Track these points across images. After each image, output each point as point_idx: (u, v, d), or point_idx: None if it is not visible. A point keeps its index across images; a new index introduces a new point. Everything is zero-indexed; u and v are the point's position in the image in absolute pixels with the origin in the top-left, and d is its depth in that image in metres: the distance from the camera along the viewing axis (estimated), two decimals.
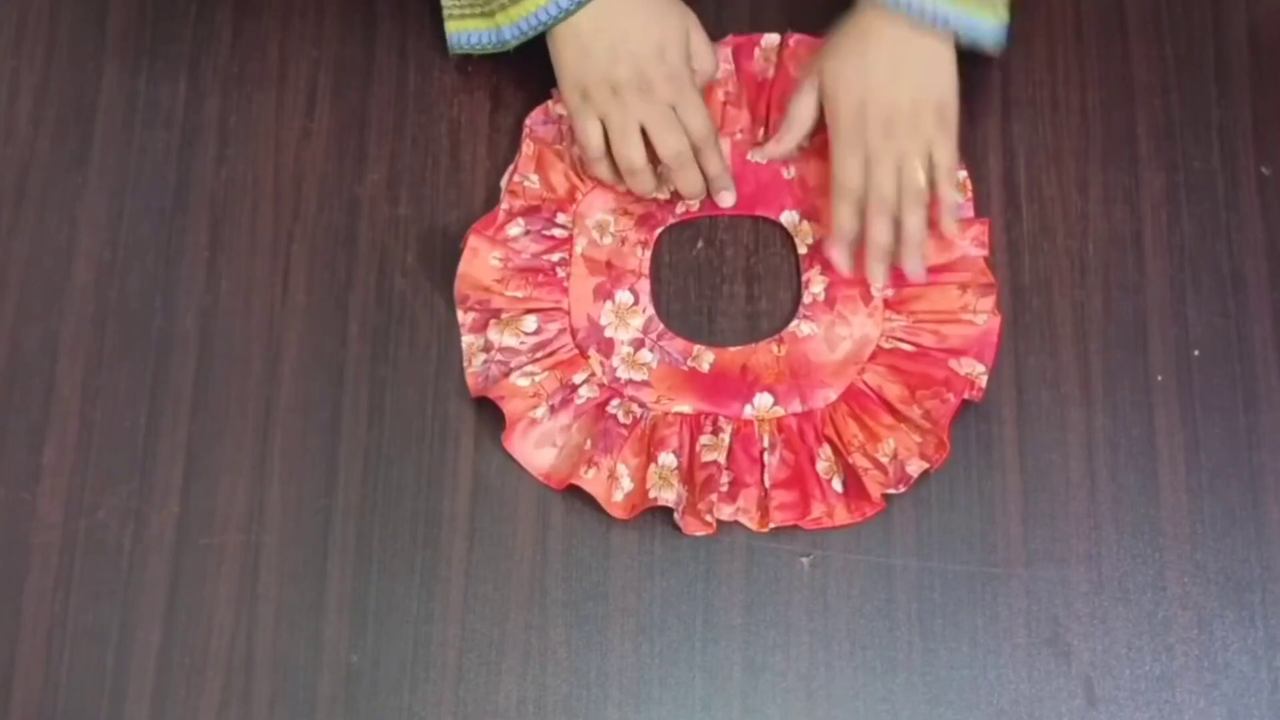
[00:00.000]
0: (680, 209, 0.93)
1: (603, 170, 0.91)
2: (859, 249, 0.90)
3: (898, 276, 0.91)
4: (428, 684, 0.85)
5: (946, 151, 0.88)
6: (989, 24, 0.88)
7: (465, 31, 0.92)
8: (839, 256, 0.90)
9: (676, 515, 0.86)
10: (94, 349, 0.91)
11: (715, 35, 0.95)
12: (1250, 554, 0.87)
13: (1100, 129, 0.95)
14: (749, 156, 0.94)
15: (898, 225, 0.89)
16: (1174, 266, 0.92)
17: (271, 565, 0.87)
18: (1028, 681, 0.85)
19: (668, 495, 0.85)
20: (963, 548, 0.87)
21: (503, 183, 0.93)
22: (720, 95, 0.95)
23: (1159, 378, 0.90)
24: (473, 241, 0.90)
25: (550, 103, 0.94)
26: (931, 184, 0.89)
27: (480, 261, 0.90)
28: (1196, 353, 0.90)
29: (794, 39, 0.95)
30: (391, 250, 0.93)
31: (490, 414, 0.89)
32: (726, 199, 0.92)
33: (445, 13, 0.93)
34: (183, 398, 0.90)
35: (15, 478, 0.88)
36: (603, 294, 0.91)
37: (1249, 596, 0.86)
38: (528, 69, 0.95)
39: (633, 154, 0.89)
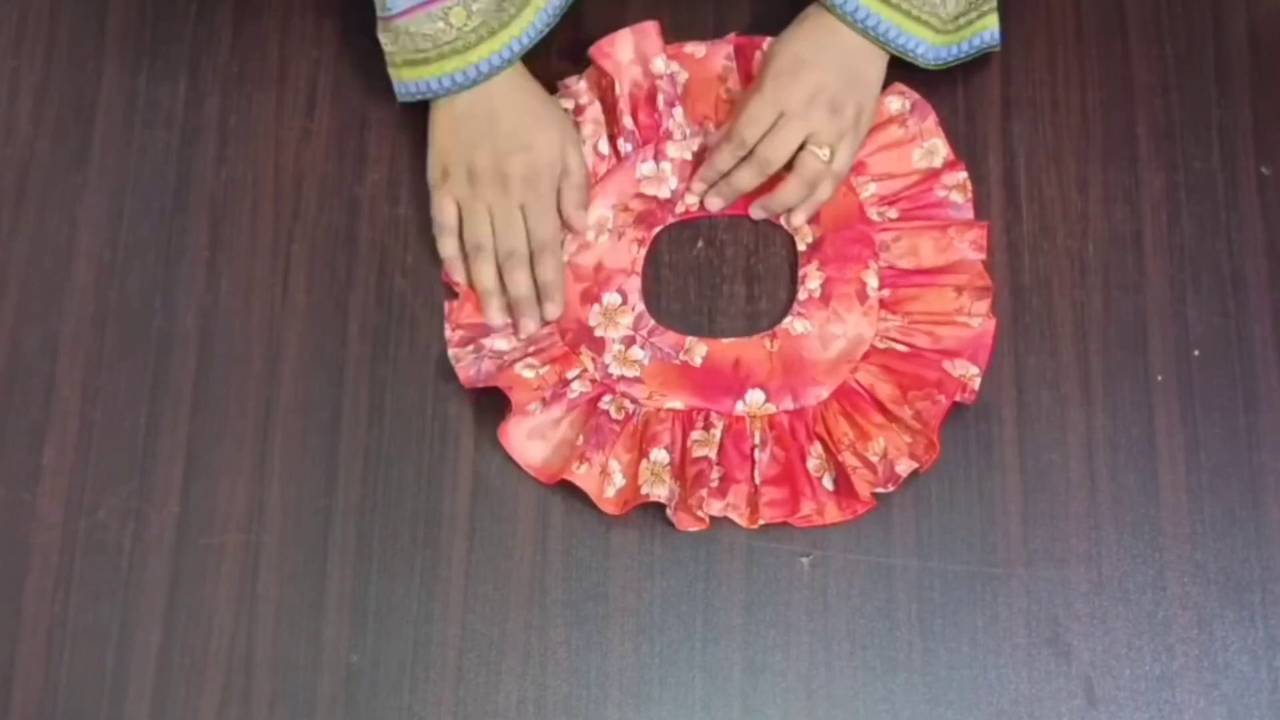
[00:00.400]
0: (680, 208, 0.93)
1: (447, 246, 0.91)
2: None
3: (896, 276, 0.91)
4: (428, 684, 0.85)
5: (847, 155, 0.91)
6: (922, 41, 0.90)
7: (398, 84, 0.92)
8: (698, 187, 0.92)
9: (669, 511, 0.86)
10: (94, 349, 0.91)
11: (717, 34, 0.95)
12: (1250, 554, 0.87)
13: (1100, 129, 0.95)
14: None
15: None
16: (1174, 266, 0.92)
17: (271, 565, 0.87)
18: (1028, 681, 0.85)
19: (660, 491, 0.85)
20: (963, 548, 0.87)
21: None
22: (722, 93, 0.95)
23: (1159, 378, 0.90)
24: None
25: (556, 97, 0.94)
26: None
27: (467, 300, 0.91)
28: (1196, 353, 0.90)
29: (736, 41, 0.95)
30: (391, 250, 0.93)
31: (490, 414, 0.89)
32: (550, 311, 0.90)
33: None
34: (183, 398, 0.90)
35: (15, 478, 0.88)
36: (590, 298, 0.91)
37: (1249, 596, 0.86)
38: (531, 66, 0.95)
39: (479, 237, 0.90)
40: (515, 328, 0.90)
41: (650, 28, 0.93)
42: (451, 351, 0.89)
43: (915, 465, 0.85)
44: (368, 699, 0.85)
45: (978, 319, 0.89)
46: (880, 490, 0.86)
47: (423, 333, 0.91)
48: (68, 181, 0.94)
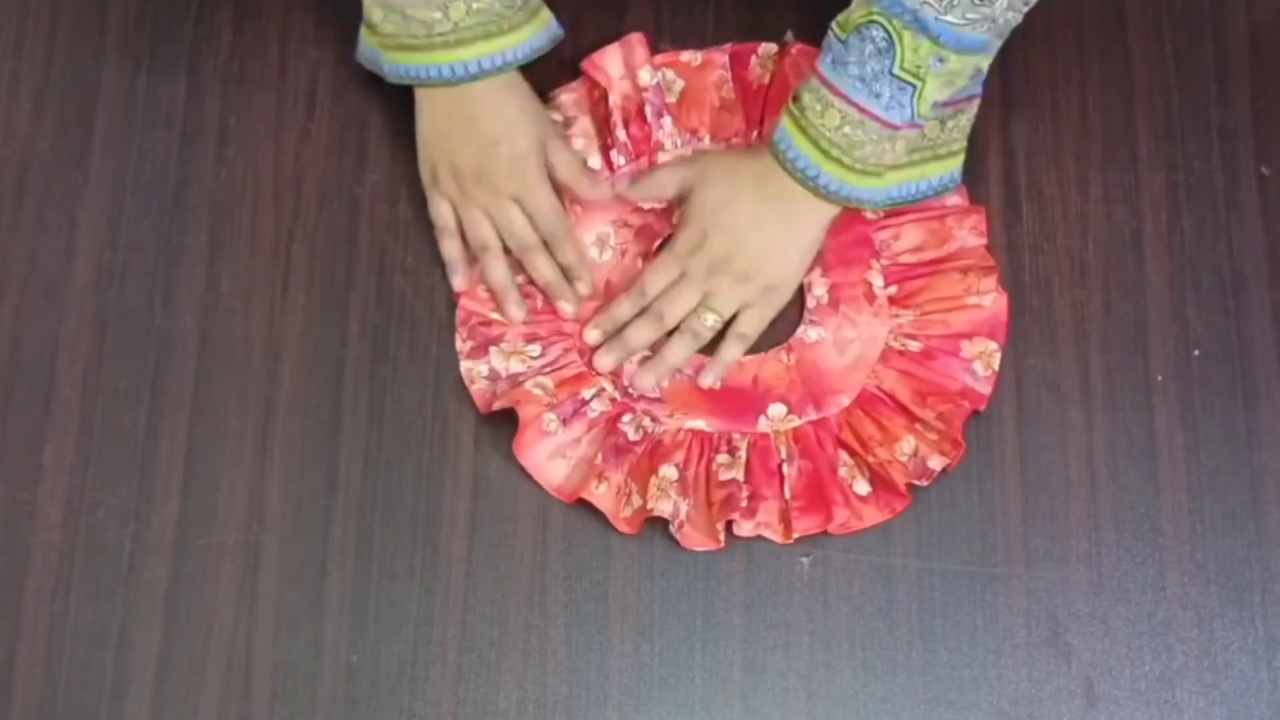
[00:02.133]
0: (676, 217, 0.93)
1: (449, 248, 0.90)
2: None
3: (900, 272, 0.91)
4: (428, 684, 0.85)
5: (754, 320, 0.89)
6: (931, 180, 0.89)
7: (365, 45, 0.92)
8: (593, 335, 0.90)
9: (672, 528, 0.85)
10: (94, 349, 0.91)
11: (715, 41, 0.95)
12: (1250, 554, 0.87)
13: (1100, 129, 0.95)
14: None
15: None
16: (1174, 266, 0.92)
17: (271, 565, 0.87)
18: (1028, 681, 0.85)
19: (665, 507, 0.85)
20: (963, 548, 0.87)
21: None
22: (715, 100, 0.94)
23: (1159, 378, 0.90)
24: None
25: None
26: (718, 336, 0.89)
27: (473, 297, 0.91)
28: (1196, 353, 0.90)
29: (796, 48, 0.94)
30: (391, 250, 0.93)
31: (491, 415, 0.89)
32: (582, 289, 0.90)
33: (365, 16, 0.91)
34: (183, 398, 0.90)
35: (15, 478, 0.88)
36: None
37: (1249, 596, 0.86)
38: (530, 70, 0.95)
39: (481, 235, 0.90)
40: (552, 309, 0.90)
41: (638, 40, 0.93)
42: (464, 369, 0.89)
43: (946, 461, 0.86)
44: (368, 699, 0.85)
45: (988, 296, 0.89)
46: (916, 483, 0.86)
47: (423, 333, 0.91)
48: (68, 181, 0.94)
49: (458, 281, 0.91)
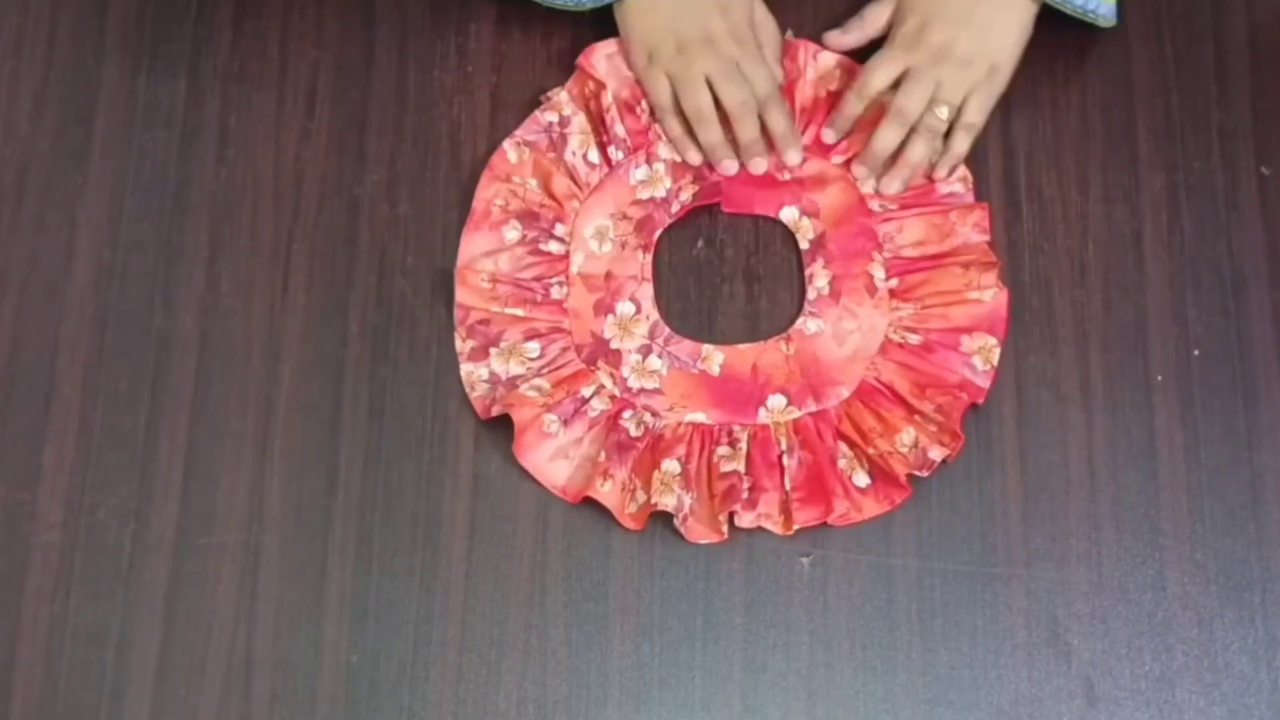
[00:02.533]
0: (675, 207, 0.93)
1: (672, 125, 0.93)
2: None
3: (902, 265, 0.91)
4: (428, 684, 0.85)
5: (980, 107, 0.91)
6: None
7: None
8: (830, 135, 0.93)
9: (676, 521, 0.85)
10: (94, 349, 0.91)
11: None
12: (1250, 554, 0.87)
13: (1100, 129, 0.95)
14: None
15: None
16: (1174, 266, 0.92)
17: (271, 565, 0.87)
18: (1028, 681, 0.85)
19: (668, 501, 0.85)
20: (963, 548, 0.87)
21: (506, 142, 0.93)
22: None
23: (1159, 378, 0.90)
24: (459, 266, 0.91)
25: (539, 111, 0.94)
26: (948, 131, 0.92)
27: (470, 287, 0.90)
28: (1196, 353, 0.90)
29: (789, 41, 0.95)
30: (391, 250, 0.93)
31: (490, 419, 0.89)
32: (793, 157, 0.93)
33: None
34: (183, 398, 0.90)
35: (15, 478, 0.88)
36: (603, 309, 0.91)
37: (1249, 596, 0.86)
38: (527, 69, 0.96)
39: (700, 101, 0.91)
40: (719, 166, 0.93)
41: None
42: (465, 373, 0.89)
43: (946, 452, 0.86)
44: (368, 699, 0.85)
45: (989, 291, 0.89)
46: (916, 474, 0.86)
47: (423, 333, 0.91)
48: (68, 181, 0.94)
49: (692, 156, 0.93)
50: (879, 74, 0.91)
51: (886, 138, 0.91)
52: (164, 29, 0.97)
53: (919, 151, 0.91)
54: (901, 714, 0.84)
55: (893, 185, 0.92)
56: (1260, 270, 0.92)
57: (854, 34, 0.94)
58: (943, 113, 0.90)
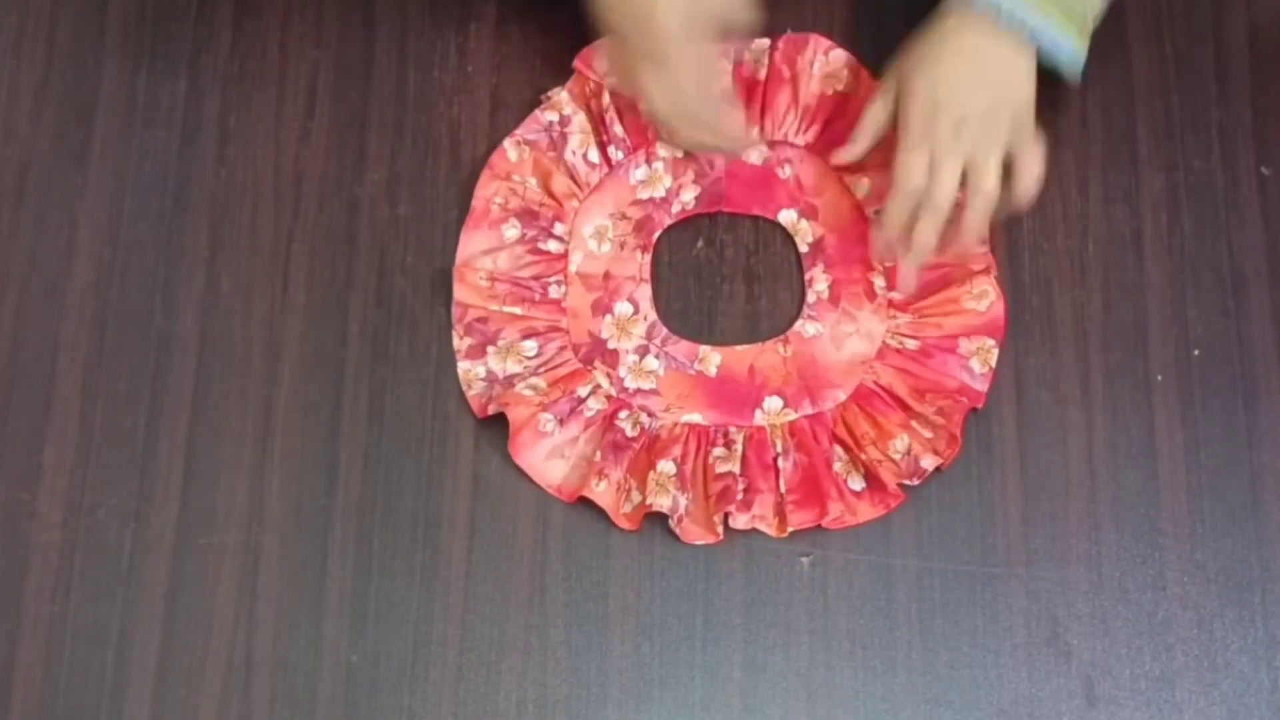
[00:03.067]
0: (676, 207, 0.93)
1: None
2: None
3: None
4: (428, 684, 0.85)
5: (1031, 153, 0.86)
6: (1071, 44, 0.87)
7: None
8: (880, 248, 0.89)
9: (671, 522, 0.85)
10: (94, 349, 0.91)
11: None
12: (1250, 554, 0.87)
13: (1100, 129, 0.95)
14: (833, 159, 0.92)
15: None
16: (1174, 266, 0.92)
17: (271, 565, 0.87)
18: (1028, 681, 0.85)
19: (663, 502, 0.85)
20: (963, 548, 0.87)
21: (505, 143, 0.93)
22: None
23: (1159, 378, 0.90)
24: (458, 264, 0.90)
25: (539, 110, 0.94)
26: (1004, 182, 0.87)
27: (468, 285, 0.90)
28: (1196, 353, 0.90)
29: (783, 39, 0.95)
30: (391, 250, 0.93)
31: (487, 418, 0.89)
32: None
33: None
34: (183, 398, 0.90)
35: (15, 478, 0.88)
36: (601, 309, 0.91)
37: (1249, 596, 0.86)
38: (527, 69, 0.96)
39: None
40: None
41: None
42: (462, 372, 0.89)
43: (939, 460, 0.86)
44: (368, 699, 0.85)
45: (985, 301, 0.89)
46: (906, 482, 0.86)
47: (423, 333, 0.91)
48: (68, 181, 0.94)
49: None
50: (910, 171, 0.85)
51: (926, 234, 0.86)
52: (164, 29, 0.97)
53: (973, 221, 0.86)
54: (901, 714, 0.84)
55: (911, 283, 0.89)
56: (1260, 270, 0.92)
57: (862, 142, 0.90)
58: (990, 171, 0.85)
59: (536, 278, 0.91)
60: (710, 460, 0.87)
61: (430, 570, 0.87)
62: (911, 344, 0.89)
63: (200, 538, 0.87)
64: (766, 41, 0.95)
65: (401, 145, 0.95)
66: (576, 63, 0.94)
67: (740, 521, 0.86)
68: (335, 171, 0.94)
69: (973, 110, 0.85)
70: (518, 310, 0.90)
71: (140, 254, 0.93)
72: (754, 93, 0.94)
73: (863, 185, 0.93)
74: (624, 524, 0.86)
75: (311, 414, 0.89)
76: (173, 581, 0.87)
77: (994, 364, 0.89)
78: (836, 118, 0.94)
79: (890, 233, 0.88)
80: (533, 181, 0.92)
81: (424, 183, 0.94)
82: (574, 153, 0.93)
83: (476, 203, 0.92)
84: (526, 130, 0.93)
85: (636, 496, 0.86)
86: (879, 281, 0.91)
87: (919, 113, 0.86)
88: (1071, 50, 0.87)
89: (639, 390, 0.89)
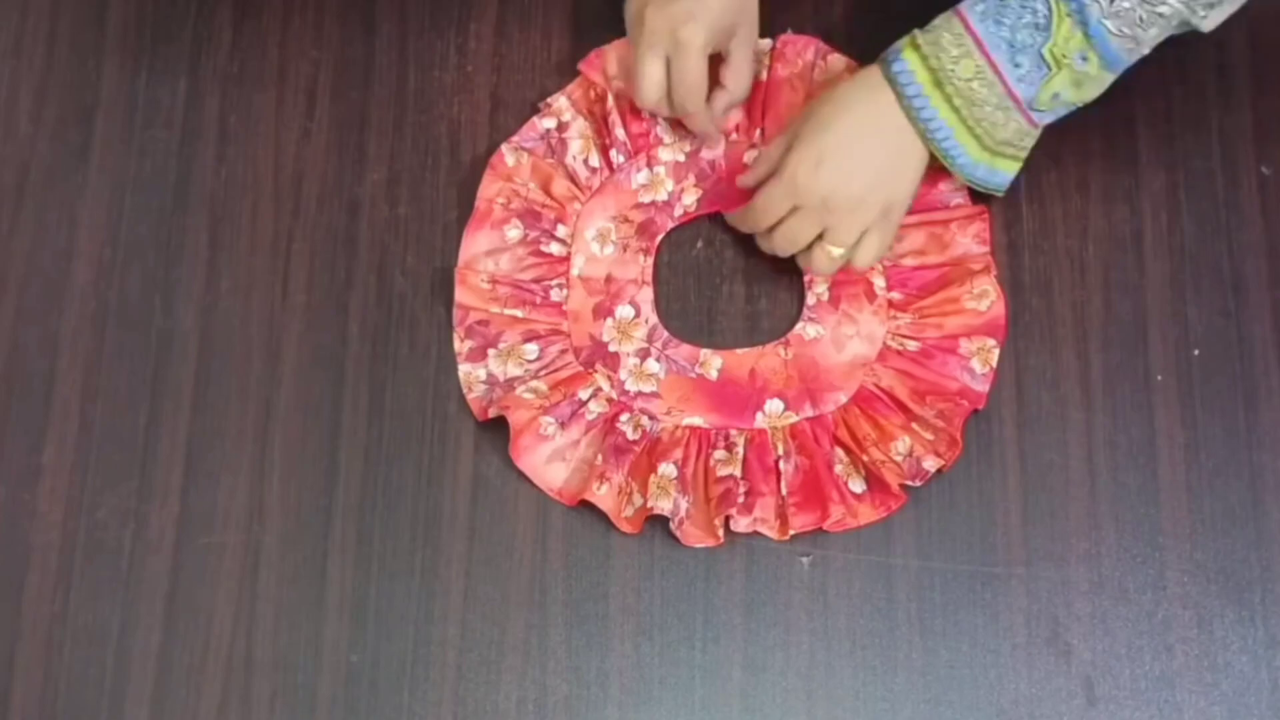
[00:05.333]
0: (679, 211, 0.93)
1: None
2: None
3: (902, 275, 0.91)
4: (428, 684, 0.85)
5: (875, 248, 0.87)
6: (967, 159, 0.86)
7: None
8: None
9: (673, 525, 0.85)
10: (94, 349, 0.91)
11: None
12: (1250, 554, 0.87)
13: (1100, 129, 0.95)
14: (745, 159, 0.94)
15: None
16: (1174, 266, 0.92)
17: (271, 565, 0.87)
18: (1028, 681, 0.85)
19: (664, 504, 0.85)
20: (963, 548, 0.87)
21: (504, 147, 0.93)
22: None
23: (1159, 378, 0.90)
24: (460, 266, 0.90)
25: (536, 118, 0.94)
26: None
27: (470, 287, 0.90)
28: (1196, 353, 0.90)
29: (781, 40, 0.95)
30: (391, 250, 0.93)
31: (487, 420, 0.89)
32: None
33: None
34: (183, 398, 0.90)
35: (15, 478, 0.88)
36: (603, 312, 0.91)
37: (1249, 596, 0.86)
38: (527, 69, 0.96)
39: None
40: None
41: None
42: (462, 374, 0.89)
43: (940, 462, 0.86)
44: (368, 699, 0.85)
45: (986, 301, 0.89)
46: (908, 484, 0.86)
47: (423, 333, 0.91)
48: (68, 181, 0.94)
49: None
50: (768, 210, 0.87)
51: (774, 249, 0.89)
52: (164, 29, 0.97)
53: (820, 268, 0.88)
54: (901, 714, 0.84)
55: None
56: (1260, 270, 0.92)
57: (760, 170, 0.89)
58: (836, 253, 0.87)
59: (538, 280, 0.91)
60: (711, 463, 0.87)
61: (430, 570, 0.87)
62: (912, 345, 0.89)
63: (200, 538, 0.87)
64: (769, 43, 0.95)
65: (401, 145, 0.95)
66: (582, 65, 0.94)
67: (741, 524, 0.86)
68: (335, 171, 0.94)
69: (849, 188, 0.85)
70: (519, 313, 0.90)
71: (140, 254, 0.93)
72: (754, 93, 0.94)
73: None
74: (625, 528, 0.86)
75: (311, 414, 0.89)
76: (173, 581, 0.87)
77: (994, 364, 0.89)
78: None
79: (739, 224, 0.91)
80: (533, 184, 0.92)
81: (424, 183, 0.94)
82: (574, 158, 0.93)
83: (479, 203, 0.92)
84: (523, 138, 0.93)
85: (638, 500, 0.86)
86: (879, 282, 0.91)
87: (802, 172, 0.85)
88: (967, 163, 0.87)
89: (640, 393, 0.89)
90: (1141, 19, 0.81)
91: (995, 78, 0.83)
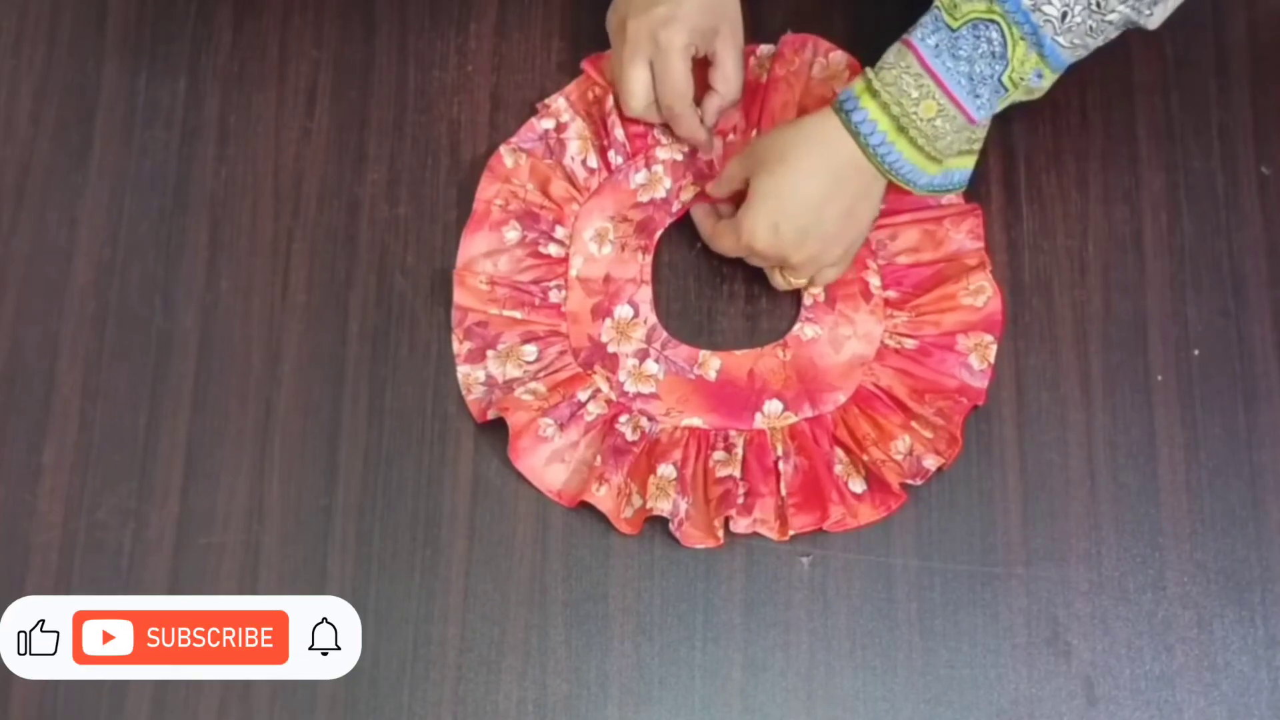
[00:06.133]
0: (676, 206, 0.93)
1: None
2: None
3: (897, 273, 0.91)
4: (428, 684, 0.85)
5: (835, 275, 0.89)
6: (927, 178, 0.86)
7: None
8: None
9: (672, 526, 0.85)
10: (94, 349, 0.91)
11: None
12: (1250, 554, 0.87)
13: (1100, 129, 0.95)
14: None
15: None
16: (1174, 266, 0.92)
17: (271, 565, 0.87)
18: (1028, 681, 0.85)
19: (664, 505, 0.85)
20: (963, 548, 0.87)
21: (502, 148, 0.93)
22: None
23: (1159, 378, 0.90)
24: (458, 268, 0.90)
25: (535, 119, 0.94)
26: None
27: (468, 288, 0.90)
28: (1196, 353, 0.90)
29: (783, 40, 0.95)
30: (391, 250, 0.93)
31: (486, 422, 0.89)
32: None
33: None
34: (183, 398, 0.90)
35: (15, 478, 0.88)
36: (601, 313, 0.91)
37: (1249, 596, 0.86)
38: (527, 69, 0.96)
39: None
40: None
41: None
42: (461, 375, 0.89)
43: (941, 461, 0.86)
44: (368, 699, 0.85)
45: (982, 297, 0.89)
46: (909, 482, 0.86)
47: (423, 333, 0.91)
48: (68, 181, 0.94)
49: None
50: (723, 251, 0.89)
51: (727, 252, 0.90)
52: (164, 29, 0.97)
53: (778, 288, 0.90)
54: (901, 714, 0.84)
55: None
56: (1260, 270, 0.92)
57: (722, 190, 0.90)
58: (796, 282, 0.89)
59: (536, 282, 0.91)
60: (711, 464, 0.87)
61: (430, 570, 0.87)
62: (910, 343, 0.89)
63: (200, 538, 0.87)
64: (772, 48, 0.95)
65: (401, 145, 0.95)
66: (586, 63, 0.94)
67: (741, 525, 0.86)
68: (335, 171, 0.94)
69: (808, 249, 0.86)
70: (517, 314, 0.90)
71: (140, 254, 0.93)
72: (754, 93, 0.94)
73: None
74: (625, 529, 0.86)
75: (311, 414, 0.89)
76: (173, 581, 0.86)
77: (992, 360, 0.89)
78: None
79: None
80: (531, 186, 0.92)
81: (424, 183, 0.94)
82: (573, 159, 0.93)
83: (477, 205, 0.92)
84: (522, 139, 0.93)
85: (637, 501, 0.86)
86: (874, 281, 0.91)
87: (760, 237, 0.86)
88: (928, 183, 0.87)
89: (639, 394, 0.89)
90: (1092, 29, 0.81)
91: (956, 111, 0.83)
